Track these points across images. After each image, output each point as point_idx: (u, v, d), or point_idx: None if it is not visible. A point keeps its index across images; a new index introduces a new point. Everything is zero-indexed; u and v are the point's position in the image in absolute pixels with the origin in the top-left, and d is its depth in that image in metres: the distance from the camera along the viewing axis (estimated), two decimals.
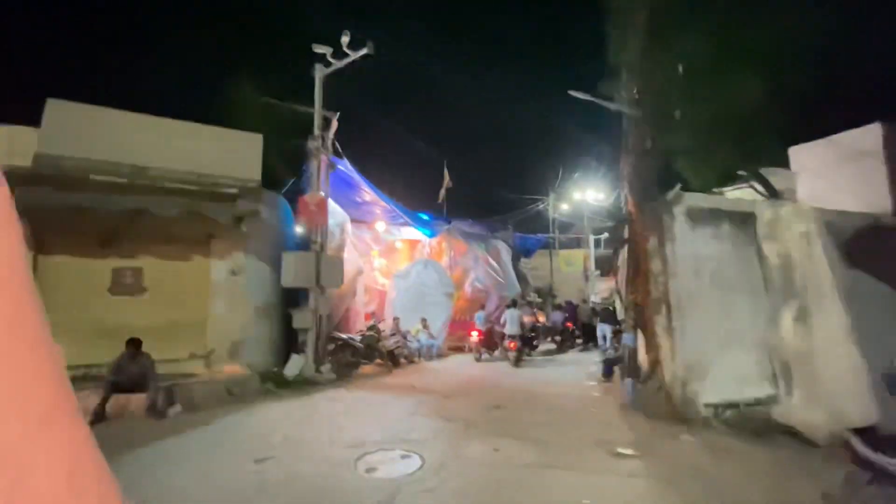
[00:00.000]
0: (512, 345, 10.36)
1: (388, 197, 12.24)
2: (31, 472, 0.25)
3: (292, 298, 9.12)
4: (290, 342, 9.07)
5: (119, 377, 6.05)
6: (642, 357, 6.71)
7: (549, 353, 12.80)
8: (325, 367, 8.84)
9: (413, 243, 14.84)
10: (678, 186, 6.41)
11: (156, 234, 7.27)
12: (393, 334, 11.02)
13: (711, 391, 6.05)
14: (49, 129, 6.55)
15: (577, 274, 22.60)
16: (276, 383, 8.00)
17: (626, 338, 6.88)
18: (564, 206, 23.34)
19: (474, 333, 11.52)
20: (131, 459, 4.56)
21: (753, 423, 5.90)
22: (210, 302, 7.69)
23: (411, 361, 11.11)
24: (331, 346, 9.25)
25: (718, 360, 6.17)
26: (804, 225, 5.92)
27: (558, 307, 15.32)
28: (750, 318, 6.38)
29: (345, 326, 11.06)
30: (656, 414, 6.21)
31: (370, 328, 10.46)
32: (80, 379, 6.71)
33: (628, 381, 6.66)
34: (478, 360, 11.24)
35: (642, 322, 6.63)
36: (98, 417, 5.76)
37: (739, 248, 6.58)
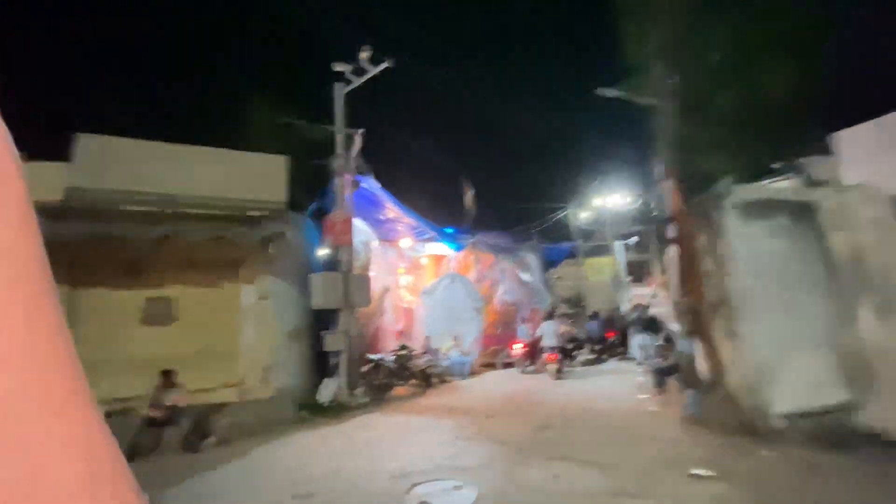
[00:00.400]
0: (552, 357, 9.87)
1: (413, 212, 12.05)
2: (49, 462, 0.26)
3: (321, 320, 8.90)
4: (321, 365, 8.82)
5: (154, 410, 5.88)
6: (702, 365, 6.18)
7: (587, 363, 12.21)
8: (359, 391, 8.53)
9: (438, 258, 14.56)
10: (727, 178, 5.98)
11: (185, 263, 7.20)
12: (424, 353, 10.66)
13: (783, 399, 5.48)
14: (79, 163, 6.60)
15: (605, 282, 21.91)
16: (310, 409, 7.74)
17: (683, 345, 6.37)
18: (587, 213, 22.80)
19: (517, 346, 11.13)
20: (169, 498, 4.31)
21: (834, 433, 5.30)
22: (240, 328, 7.53)
23: (444, 380, 10.70)
24: (363, 368, 8.96)
25: (787, 364, 5.60)
26: (875, 210, 5.39)
27: (593, 317, 14.74)
28: (817, 316, 5.81)
29: (374, 346, 10.77)
30: (724, 427, 5.65)
31: (401, 347, 10.14)
32: (117, 413, 6.57)
33: (690, 392, 6.12)
34: (523, 372, 10.86)
35: (699, 327, 6.13)
36: (135, 452, 5.56)
37: (799, 242, 6.04)
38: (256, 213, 7.36)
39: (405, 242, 13.47)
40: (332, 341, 8.61)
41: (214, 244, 6.95)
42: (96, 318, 6.89)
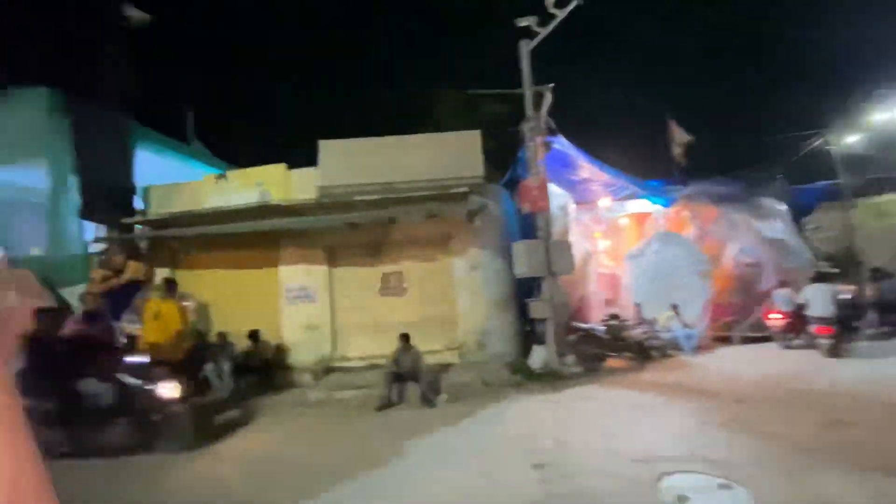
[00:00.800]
0: (825, 330, 7.58)
1: (609, 167, 10.88)
2: None
3: (525, 289, 8.91)
4: (527, 333, 8.90)
5: (396, 368, 6.86)
6: None
7: (878, 338, 9.00)
8: (570, 359, 8.27)
9: (641, 217, 12.89)
10: None
11: (408, 240, 8.18)
12: (639, 323, 9.63)
13: None
14: (324, 166, 8.07)
15: (892, 229, 15.78)
16: (523, 375, 7.89)
17: None
18: (857, 137, 16.65)
19: (775, 316, 9.07)
20: (417, 448, 4.89)
21: None
22: (456, 298, 8.15)
23: (666, 355, 9.47)
24: (572, 337, 8.63)
25: None
26: None
27: (879, 276, 10.80)
28: None
29: (580, 315, 10.29)
30: None
31: (612, 317, 9.38)
32: (369, 368, 7.98)
33: None
34: (786, 348, 8.82)
35: None
36: (385, 404, 6.62)
37: None
38: (460, 189, 7.70)
39: (602, 202, 12.33)
40: (537, 309, 8.55)
41: (429, 222, 7.62)
42: (349, 290, 8.46)
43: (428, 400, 6.64)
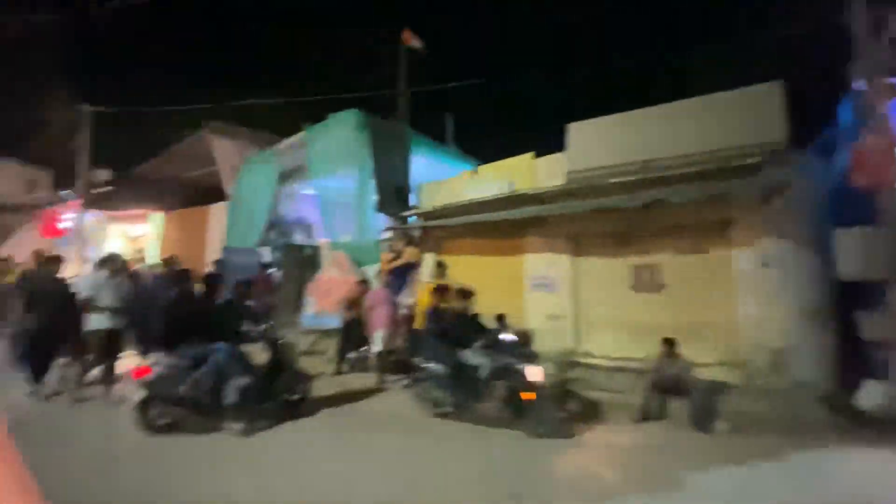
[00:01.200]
0: None
1: None
2: None
3: (853, 296, 6.35)
4: (855, 359, 6.33)
5: (658, 377, 5.91)
6: None
7: None
8: None
9: None
10: None
11: (669, 227, 6.90)
12: None
13: None
14: (573, 149, 7.67)
15: None
16: (845, 415, 5.66)
17: None
18: None
19: None
20: (700, 481, 3.98)
21: None
22: (737, 300, 6.43)
23: None
24: None
25: None
26: None
27: None
28: None
29: None
30: None
31: None
32: (616, 370, 7.21)
33: None
34: None
35: None
36: (644, 416, 5.79)
37: None
38: (750, 160, 5.99)
39: None
40: (873, 326, 5.99)
41: (701, 204, 6.21)
42: (594, 282, 7.84)
43: (701, 423, 5.46)
